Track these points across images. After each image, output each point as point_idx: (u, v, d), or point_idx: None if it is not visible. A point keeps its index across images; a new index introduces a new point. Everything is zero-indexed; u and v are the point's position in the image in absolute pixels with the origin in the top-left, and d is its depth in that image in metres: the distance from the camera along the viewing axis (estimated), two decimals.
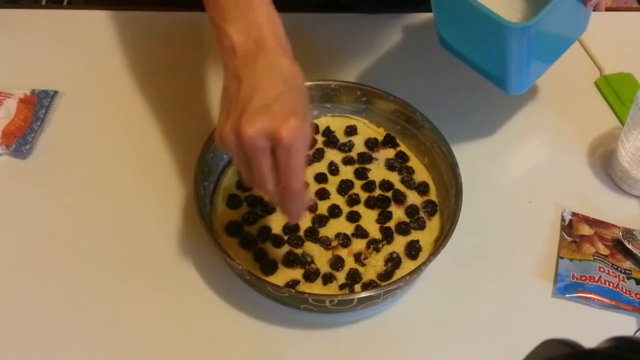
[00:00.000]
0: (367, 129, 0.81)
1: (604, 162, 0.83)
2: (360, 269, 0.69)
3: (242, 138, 0.53)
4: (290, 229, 0.72)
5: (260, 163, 0.55)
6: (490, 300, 0.71)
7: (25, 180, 0.78)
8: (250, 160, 0.55)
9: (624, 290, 0.71)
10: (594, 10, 0.73)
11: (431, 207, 0.74)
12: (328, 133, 0.80)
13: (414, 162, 0.79)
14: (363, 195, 0.75)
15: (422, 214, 0.74)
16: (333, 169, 0.77)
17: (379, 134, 0.81)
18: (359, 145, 0.80)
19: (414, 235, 0.72)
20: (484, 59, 0.75)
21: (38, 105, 0.83)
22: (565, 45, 0.78)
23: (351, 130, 0.81)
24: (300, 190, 0.56)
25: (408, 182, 0.77)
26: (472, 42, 0.75)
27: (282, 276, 0.68)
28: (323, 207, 0.74)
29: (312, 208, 0.74)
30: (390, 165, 0.78)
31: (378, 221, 0.73)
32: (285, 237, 0.71)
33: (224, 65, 0.58)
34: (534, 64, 0.74)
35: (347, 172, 0.77)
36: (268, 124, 0.53)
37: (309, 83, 0.79)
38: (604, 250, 0.74)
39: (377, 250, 0.71)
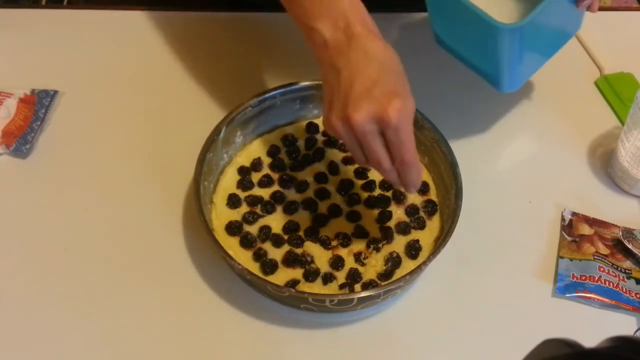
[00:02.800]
0: None
1: (604, 162, 0.83)
2: (360, 269, 0.69)
3: (351, 125, 0.58)
4: (291, 228, 0.72)
5: (372, 145, 0.59)
6: (490, 300, 0.71)
7: (25, 180, 0.78)
8: (362, 144, 0.59)
9: (624, 290, 0.71)
10: (587, 10, 0.73)
11: (431, 207, 0.74)
12: (328, 133, 0.80)
13: None
14: (363, 195, 0.75)
15: (422, 213, 0.74)
16: (333, 168, 0.77)
17: None
18: None
19: (414, 235, 0.72)
20: (477, 57, 0.75)
21: (38, 105, 0.83)
22: (558, 44, 0.78)
23: None
24: (414, 162, 0.61)
25: None
26: (465, 41, 0.75)
27: (282, 276, 0.68)
28: (323, 207, 0.74)
29: (312, 207, 0.74)
30: None
31: (378, 221, 0.73)
32: (285, 237, 0.71)
33: (318, 60, 0.62)
34: (526, 62, 0.74)
35: (347, 171, 0.77)
36: (373, 108, 0.57)
37: (309, 83, 0.79)
38: (604, 250, 0.74)
39: (377, 249, 0.71)
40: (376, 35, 0.61)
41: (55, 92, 0.85)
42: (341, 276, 0.69)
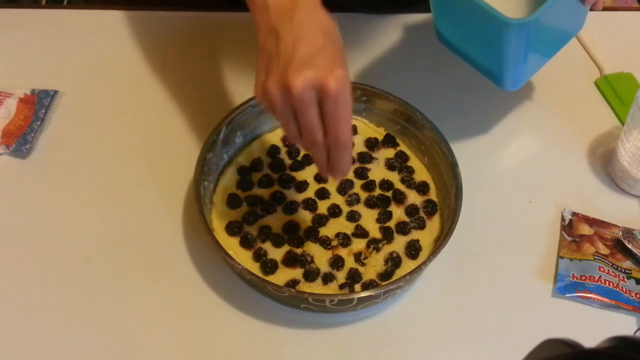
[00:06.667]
0: (367, 129, 0.81)
1: (604, 162, 0.83)
2: (360, 269, 0.69)
3: (290, 90, 0.54)
4: (291, 228, 0.72)
5: (309, 114, 0.55)
6: (490, 300, 0.71)
7: (25, 180, 0.78)
8: (298, 113, 0.56)
9: (624, 290, 0.71)
10: (591, 10, 0.73)
11: (431, 207, 0.74)
12: None
13: (413, 162, 0.79)
14: (363, 195, 0.75)
15: (422, 213, 0.74)
16: None
17: (379, 133, 0.81)
18: (359, 145, 0.80)
19: (414, 234, 0.72)
20: (481, 54, 0.75)
21: (38, 105, 0.83)
22: (561, 43, 0.78)
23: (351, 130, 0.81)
24: (348, 141, 0.57)
25: (408, 181, 0.77)
26: (469, 37, 0.75)
27: (282, 276, 0.68)
28: (323, 207, 0.74)
29: (312, 207, 0.74)
30: (390, 165, 0.78)
31: (378, 221, 0.73)
32: (285, 237, 0.71)
33: (256, 24, 0.59)
34: (530, 60, 0.74)
35: None
36: (315, 75, 0.54)
37: None
38: (604, 250, 0.74)
39: (377, 249, 0.71)
40: (320, 5, 0.58)
41: (55, 92, 0.85)
42: (341, 276, 0.69)
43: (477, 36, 0.73)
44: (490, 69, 0.75)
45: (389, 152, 0.79)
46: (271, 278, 0.68)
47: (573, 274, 0.72)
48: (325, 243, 0.71)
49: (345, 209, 0.74)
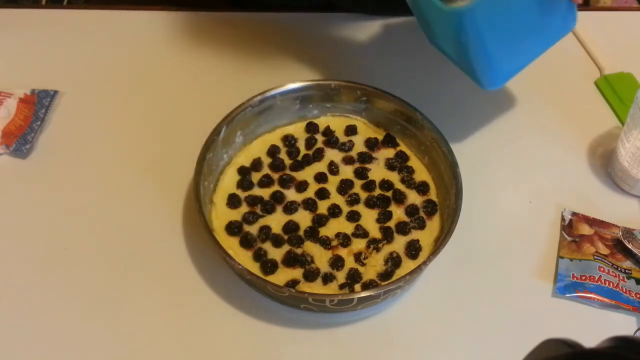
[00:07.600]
0: (367, 129, 0.81)
1: (604, 162, 0.83)
2: (360, 269, 0.69)
3: None
4: (291, 228, 0.72)
5: None
6: (490, 299, 0.71)
7: (25, 180, 0.78)
8: None
9: (624, 290, 0.71)
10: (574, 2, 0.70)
11: (431, 207, 0.74)
12: (328, 133, 0.81)
13: (413, 162, 0.79)
14: (363, 195, 0.75)
15: (422, 213, 0.74)
16: (333, 168, 0.77)
17: (379, 133, 0.81)
18: (359, 145, 0.80)
19: (414, 234, 0.72)
20: (453, 52, 0.73)
21: (38, 105, 0.83)
22: (545, 40, 0.73)
23: (351, 130, 0.81)
24: None
25: (408, 181, 0.77)
26: (439, 35, 0.73)
27: (282, 276, 0.68)
28: (323, 207, 0.74)
29: (312, 207, 0.74)
30: (390, 165, 0.78)
31: (378, 221, 0.73)
32: (285, 237, 0.71)
33: None
34: (501, 57, 0.70)
35: (347, 171, 0.77)
36: None
37: (309, 83, 0.79)
38: (604, 250, 0.74)
39: (377, 249, 0.71)
40: None
41: (55, 92, 0.85)
42: (341, 276, 0.69)
43: (443, 33, 0.71)
44: (464, 66, 0.73)
45: (389, 152, 0.79)
46: (271, 278, 0.68)
47: (573, 274, 0.72)
48: (325, 243, 0.71)
49: (345, 209, 0.74)
